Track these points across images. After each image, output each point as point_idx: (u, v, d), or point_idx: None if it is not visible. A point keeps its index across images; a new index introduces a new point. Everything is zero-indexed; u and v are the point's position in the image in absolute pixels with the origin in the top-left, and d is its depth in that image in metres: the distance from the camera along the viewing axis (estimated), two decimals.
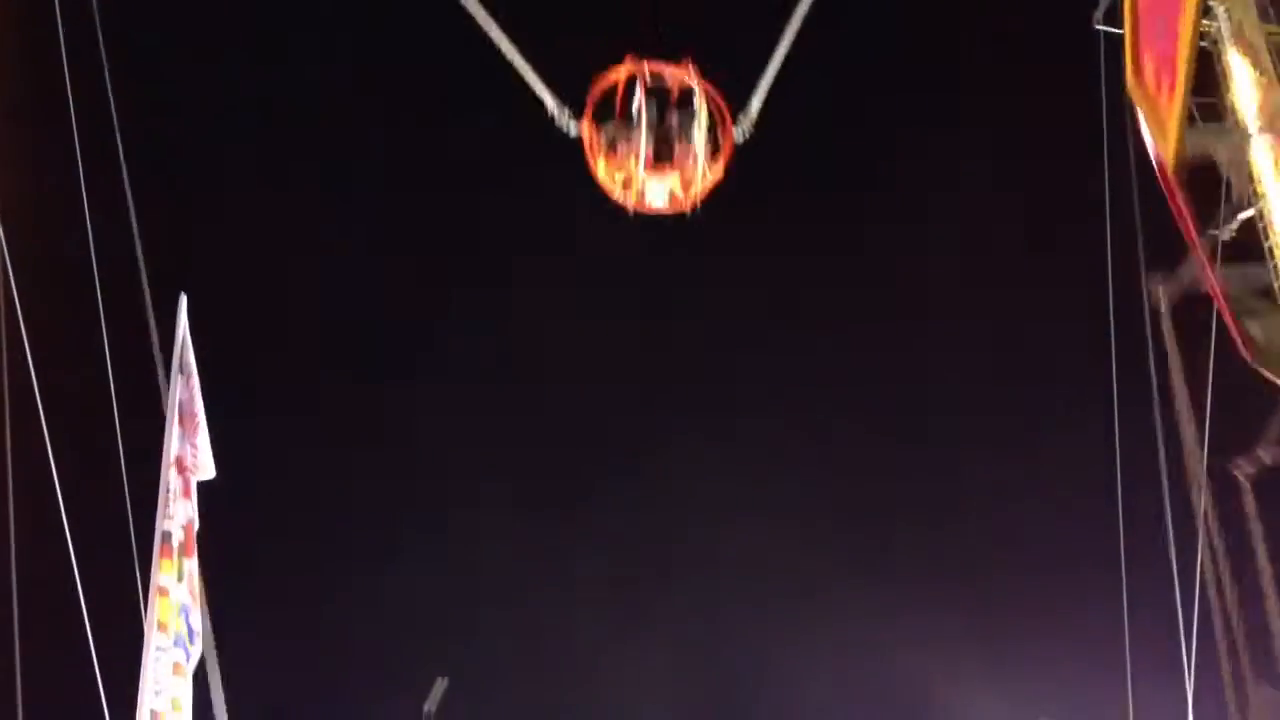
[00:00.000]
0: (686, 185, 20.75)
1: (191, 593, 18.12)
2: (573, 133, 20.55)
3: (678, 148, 20.43)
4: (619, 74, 20.33)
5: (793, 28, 20.87)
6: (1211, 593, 24.09)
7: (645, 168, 20.36)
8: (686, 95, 20.40)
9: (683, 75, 20.28)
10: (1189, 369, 23.58)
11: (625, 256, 30.48)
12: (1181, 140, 14.77)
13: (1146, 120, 16.39)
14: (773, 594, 33.42)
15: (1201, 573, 21.53)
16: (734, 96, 21.14)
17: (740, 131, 20.95)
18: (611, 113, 20.60)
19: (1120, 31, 23.15)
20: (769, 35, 21.29)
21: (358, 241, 33.57)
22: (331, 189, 33.40)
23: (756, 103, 21.00)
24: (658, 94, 20.45)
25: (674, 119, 20.44)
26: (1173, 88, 14.04)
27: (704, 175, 20.59)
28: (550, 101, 20.58)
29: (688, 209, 21.01)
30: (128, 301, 19.57)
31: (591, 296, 34.30)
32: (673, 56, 20.62)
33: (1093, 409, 25.20)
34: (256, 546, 28.94)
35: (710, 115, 20.45)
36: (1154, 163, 17.61)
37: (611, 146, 20.51)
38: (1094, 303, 24.23)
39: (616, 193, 20.79)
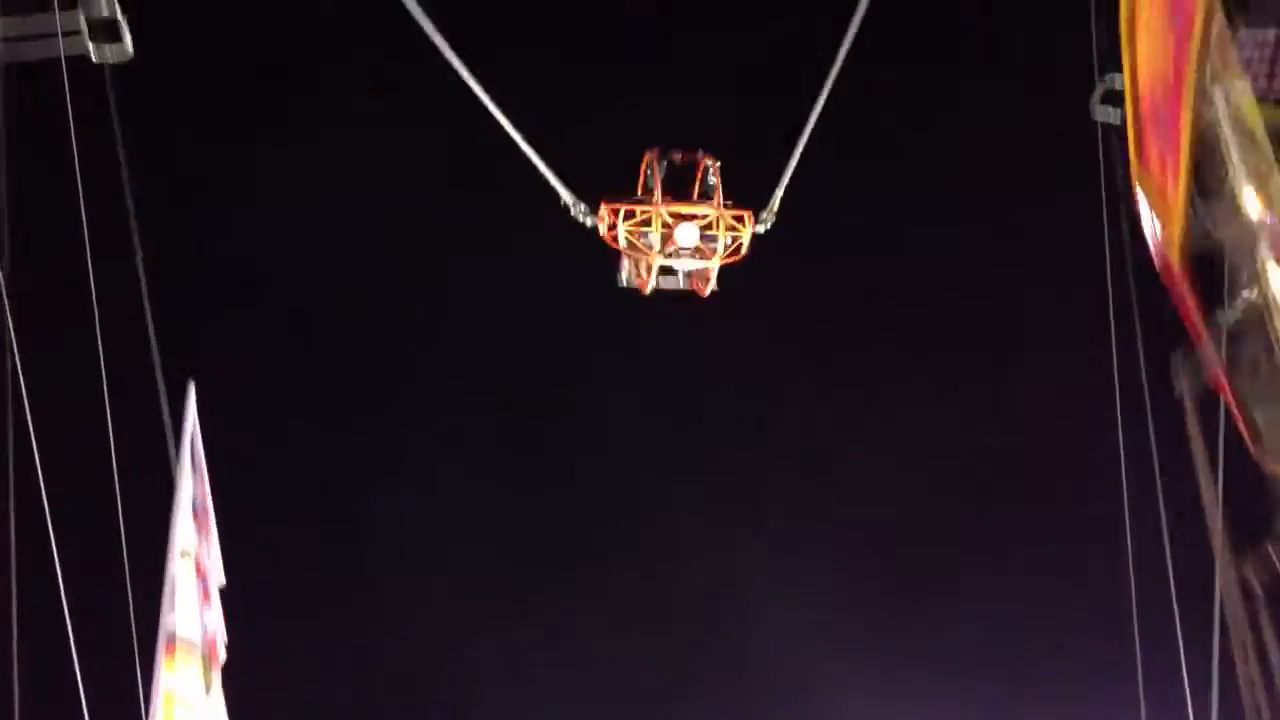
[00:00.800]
0: (705, 276, 21.37)
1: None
2: (589, 224, 20.97)
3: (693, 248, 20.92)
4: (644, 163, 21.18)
5: (808, 129, 21.13)
6: None
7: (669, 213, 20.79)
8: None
9: (702, 159, 21.19)
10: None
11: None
12: (1188, 223, 14.87)
13: (1151, 205, 16.51)
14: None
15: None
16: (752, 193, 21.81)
17: (763, 225, 21.52)
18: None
19: (1115, 123, 23.67)
20: (781, 129, 22.02)
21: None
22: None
23: (776, 197, 21.52)
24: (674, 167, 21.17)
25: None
26: (1177, 172, 14.17)
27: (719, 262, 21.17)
28: (565, 194, 21.06)
29: (705, 293, 21.58)
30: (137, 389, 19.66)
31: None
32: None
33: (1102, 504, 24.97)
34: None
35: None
36: (1153, 250, 17.61)
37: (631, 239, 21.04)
38: (1100, 392, 24.13)
39: (630, 277, 21.38)
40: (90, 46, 20.05)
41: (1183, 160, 13.93)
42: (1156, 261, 17.54)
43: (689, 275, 21.67)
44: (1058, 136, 26.33)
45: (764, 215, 21.53)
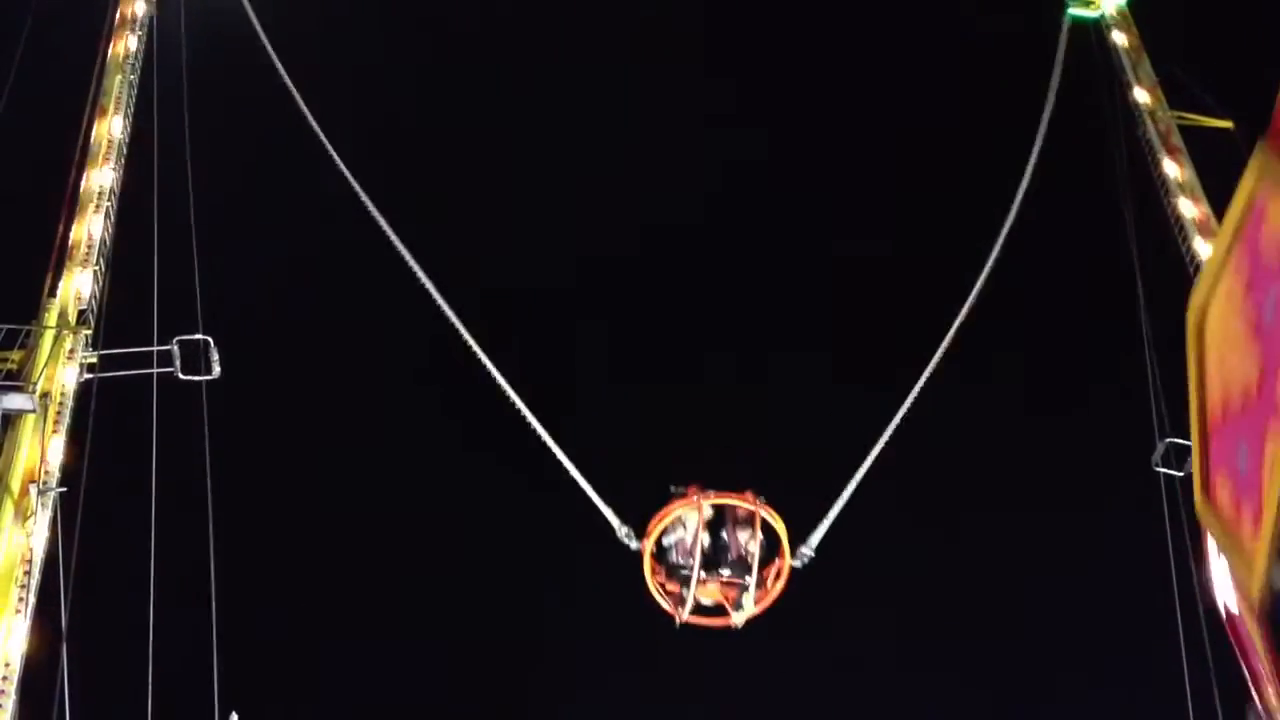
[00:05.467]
0: (734, 604, 20.58)
1: None
2: (634, 547, 20.92)
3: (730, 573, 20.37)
4: (680, 506, 20.57)
5: (859, 474, 21.70)
6: None
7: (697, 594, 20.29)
8: (749, 517, 20.51)
9: (744, 503, 20.47)
10: None
11: None
12: (1269, 575, 13.49)
13: (1219, 545, 15.11)
14: None
15: None
16: (797, 523, 21.21)
17: (800, 561, 21.03)
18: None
19: (1179, 474, 23.78)
20: (837, 467, 22.19)
21: None
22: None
23: (816, 537, 21.32)
24: (719, 514, 20.61)
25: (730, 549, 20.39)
26: (1258, 521, 12.86)
27: (754, 601, 20.46)
28: (614, 520, 21.15)
29: (737, 626, 20.81)
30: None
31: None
32: (738, 483, 20.89)
33: None
34: None
35: (771, 538, 20.56)
36: (1222, 603, 16.37)
37: (669, 570, 20.58)
38: None
39: (666, 604, 20.70)
40: (179, 372, 21.12)
41: (1267, 514, 12.49)
42: (1220, 607, 16.31)
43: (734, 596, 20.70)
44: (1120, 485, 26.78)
45: (801, 550, 21.12)
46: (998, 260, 25.06)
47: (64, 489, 19.47)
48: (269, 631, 32.37)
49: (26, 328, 20.35)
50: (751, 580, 20.13)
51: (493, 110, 38.01)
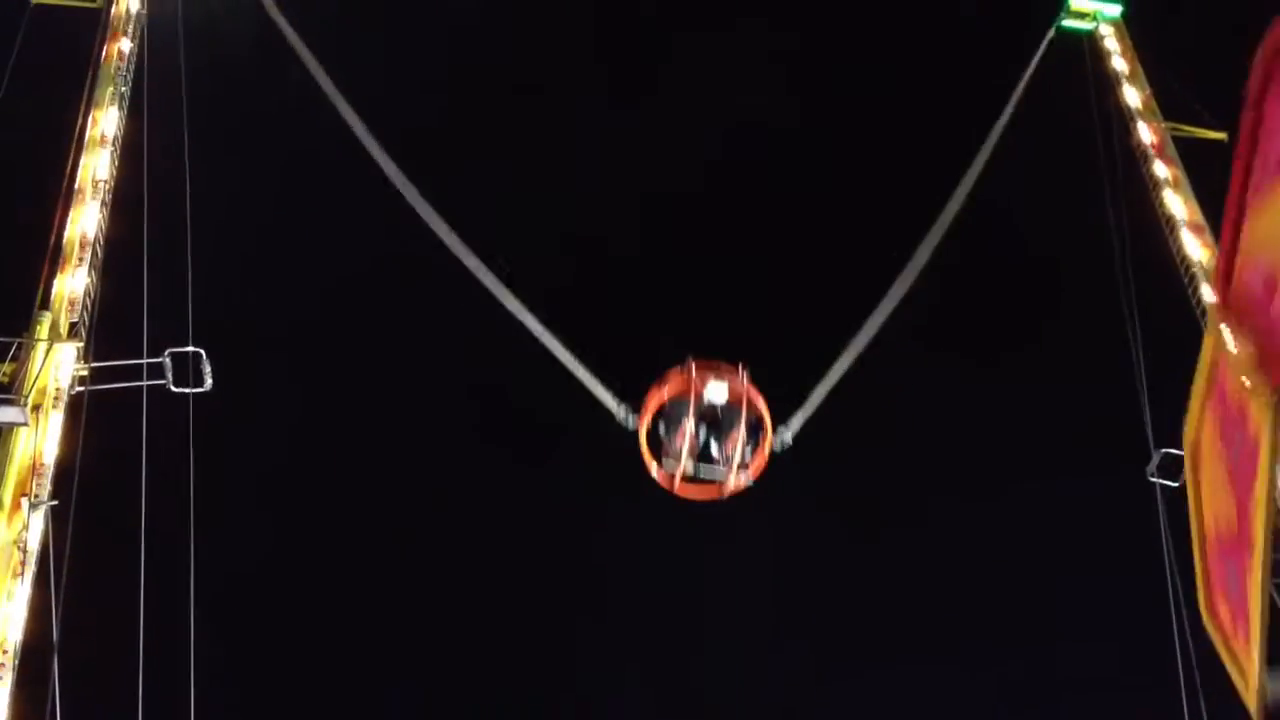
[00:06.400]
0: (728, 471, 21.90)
1: None
2: (631, 426, 22.01)
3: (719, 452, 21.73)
4: (675, 382, 21.80)
5: (844, 363, 23.05)
6: None
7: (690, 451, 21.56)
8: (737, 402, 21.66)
9: (733, 377, 21.73)
10: None
11: None
12: (1262, 697, 14.34)
13: (1221, 654, 15.88)
14: None
15: None
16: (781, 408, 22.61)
17: (779, 442, 22.15)
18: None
19: (1174, 484, 23.83)
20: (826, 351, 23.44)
21: None
22: None
23: (798, 422, 22.38)
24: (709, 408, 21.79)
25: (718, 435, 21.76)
26: (1248, 637, 13.73)
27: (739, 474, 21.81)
28: (612, 402, 22.09)
29: (723, 496, 22.11)
30: None
31: None
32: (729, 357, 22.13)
33: None
34: None
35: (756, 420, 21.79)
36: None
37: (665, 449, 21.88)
38: None
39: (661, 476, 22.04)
40: (170, 384, 21.04)
41: (1253, 632, 13.33)
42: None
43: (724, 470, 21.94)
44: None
45: (782, 429, 22.16)
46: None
47: (55, 502, 19.37)
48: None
49: (18, 340, 20.24)
50: (738, 455, 21.41)
51: None
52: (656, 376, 22.01)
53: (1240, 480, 12.78)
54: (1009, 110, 27.69)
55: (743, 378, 21.71)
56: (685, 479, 21.76)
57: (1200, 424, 14.23)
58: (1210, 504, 14.48)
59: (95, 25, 24.04)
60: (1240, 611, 13.82)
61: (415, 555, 35.71)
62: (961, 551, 35.71)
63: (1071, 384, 35.78)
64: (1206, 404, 13.77)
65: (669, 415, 21.79)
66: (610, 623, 35.54)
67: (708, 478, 21.75)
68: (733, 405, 21.44)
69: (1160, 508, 23.85)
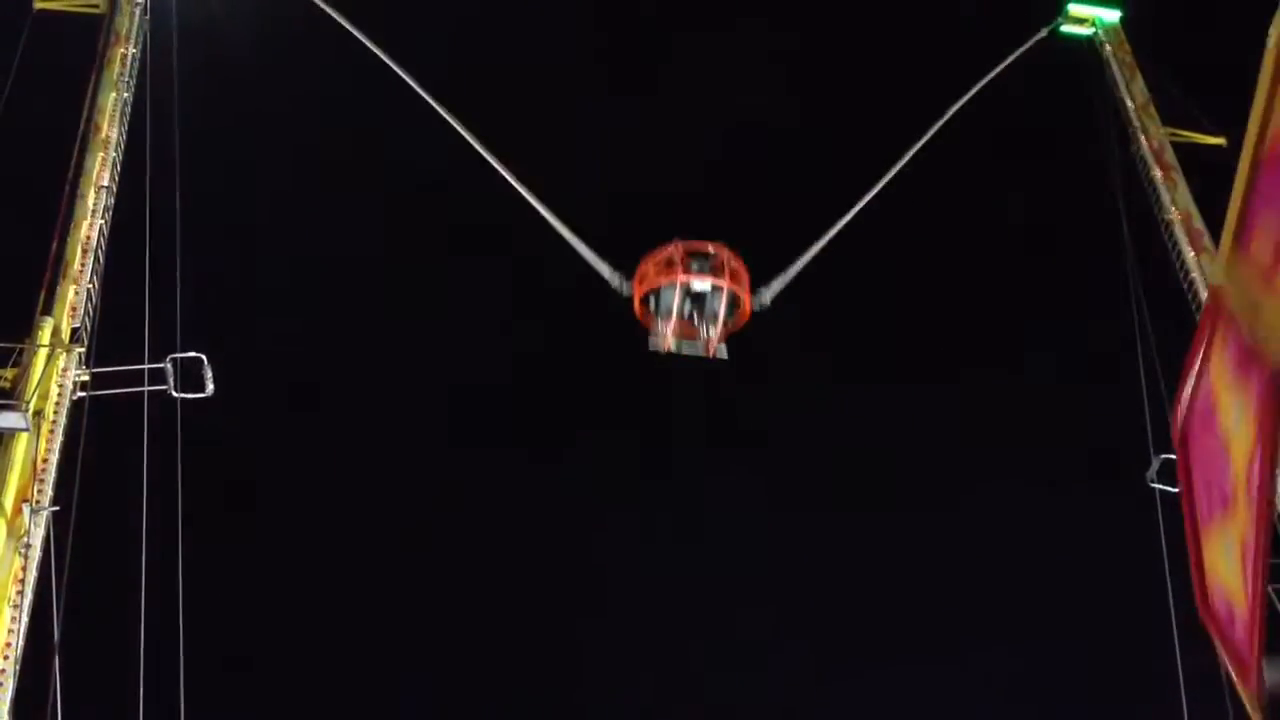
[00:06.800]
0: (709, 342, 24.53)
1: None
2: (626, 293, 24.54)
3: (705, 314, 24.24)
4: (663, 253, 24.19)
5: (825, 239, 25.36)
6: None
7: (676, 332, 24.39)
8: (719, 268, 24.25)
9: (717, 251, 24.16)
10: None
11: None
12: (1261, 677, 13.37)
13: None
14: None
15: None
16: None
17: (758, 302, 24.70)
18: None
19: (1174, 490, 23.86)
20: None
21: None
22: None
23: (777, 285, 25.03)
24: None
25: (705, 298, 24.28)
26: (1247, 626, 12.92)
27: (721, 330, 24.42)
28: (605, 270, 24.47)
29: (710, 354, 24.66)
30: None
31: None
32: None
33: None
34: None
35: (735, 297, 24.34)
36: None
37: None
38: None
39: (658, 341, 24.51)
40: (173, 389, 21.04)
41: (1251, 619, 12.39)
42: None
43: (705, 341, 24.58)
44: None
45: (762, 290, 24.70)
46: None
47: (56, 508, 19.39)
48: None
49: (19, 346, 20.26)
50: (720, 316, 23.94)
51: None
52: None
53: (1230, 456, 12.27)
54: (988, 80, 28.79)
55: (725, 258, 24.08)
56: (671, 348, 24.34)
57: (1193, 396, 13.59)
58: (1202, 484, 13.86)
59: (98, 30, 24.04)
60: (1237, 597, 13.09)
61: (423, 555, 35.83)
62: (961, 552, 35.81)
63: (1072, 385, 35.88)
64: (1201, 376, 13.19)
65: (659, 298, 24.08)
66: (612, 621, 35.65)
67: (690, 353, 24.27)
68: (716, 289, 23.89)
69: (1159, 513, 23.85)
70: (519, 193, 24.71)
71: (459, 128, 25.15)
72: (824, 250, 25.68)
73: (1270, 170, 11.76)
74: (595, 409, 37.21)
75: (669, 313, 23.71)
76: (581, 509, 36.48)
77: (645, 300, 24.12)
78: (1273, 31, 12.50)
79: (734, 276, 24.08)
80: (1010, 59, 28.89)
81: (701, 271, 23.81)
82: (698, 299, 23.79)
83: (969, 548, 35.54)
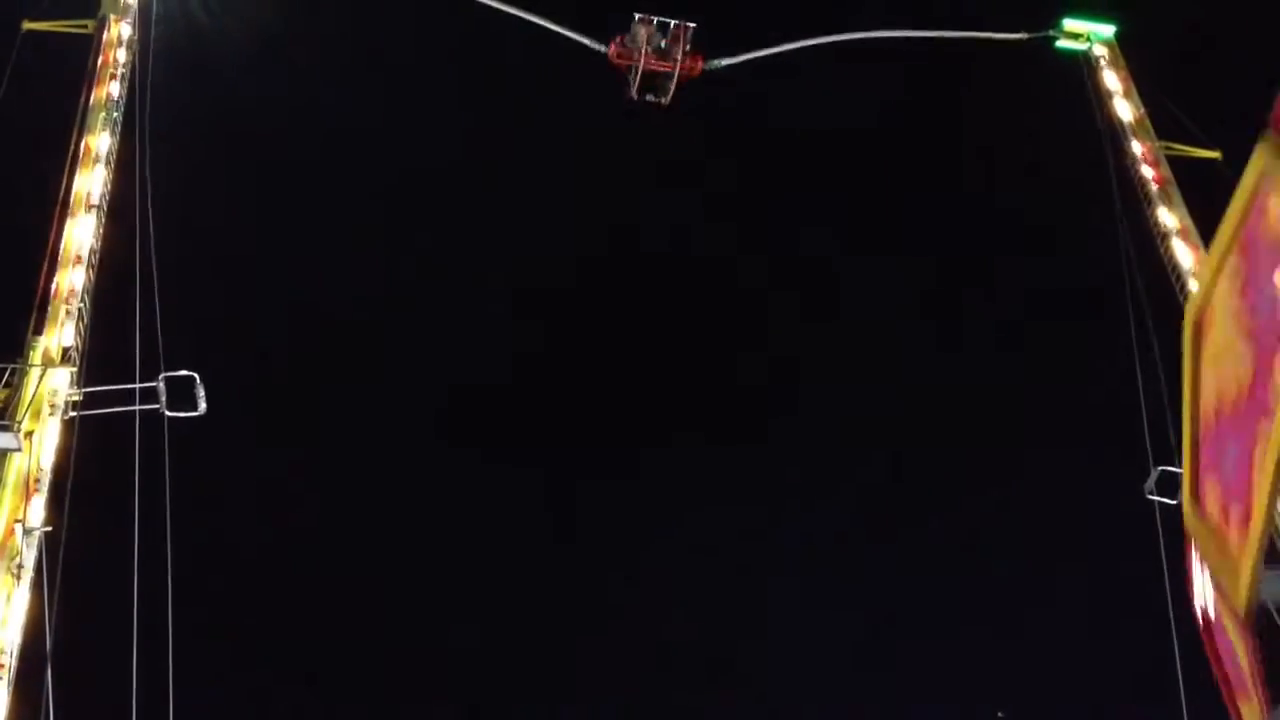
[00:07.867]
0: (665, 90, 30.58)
1: None
2: (605, 49, 30.13)
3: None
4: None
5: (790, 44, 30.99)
6: None
7: (645, 66, 30.08)
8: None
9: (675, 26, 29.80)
10: None
11: None
12: (1255, 582, 12.80)
13: (1205, 556, 14.34)
14: None
15: None
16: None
17: (714, 63, 30.45)
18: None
19: (1172, 502, 23.76)
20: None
21: None
22: None
23: (728, 61, 30.65)
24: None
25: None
26: (1245, 523, 12.40)
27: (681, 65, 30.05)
28: (584, 38, 30.25)
29: (665, 102, 30.70)
30: None
31: None
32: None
33: None
34: None
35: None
36: (1200, 609, 15.40)
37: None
38: None
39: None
40: (165, 408, 20.88)
41: (1256, 515, 12.00)
42: (1198, 616, 15.39)
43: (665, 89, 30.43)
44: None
45: (715, 62, 30.32)
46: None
47: (49, 528, 19.25)
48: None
49: (11, 366, 20.13)
50: (678, 59, 29.76)
51: None
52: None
53: (1262, 337, 11.41)
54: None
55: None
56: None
57: (1215, 282, 12.56)
58: (1213, 378, 12.91)
59: (88, 49, 24.00)
60: (1238, 494, 12.39)
61: (417, 559, 35.74)
62: (961, 551, 35.85)
63: (1078, 384, 35.93)
64: (1229, 254, 12.34)
65: (632, 36, 29.82)
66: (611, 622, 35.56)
67: (653, 99, 30.08)
68: (675, 38, 29.88)
69: (1157, 520, 23.78)
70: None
71: None
72: None
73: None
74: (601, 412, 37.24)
75: (637, 40, 29.30)
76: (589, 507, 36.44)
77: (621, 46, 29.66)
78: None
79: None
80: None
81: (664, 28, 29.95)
82: (662, 28, 29.64)
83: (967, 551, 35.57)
